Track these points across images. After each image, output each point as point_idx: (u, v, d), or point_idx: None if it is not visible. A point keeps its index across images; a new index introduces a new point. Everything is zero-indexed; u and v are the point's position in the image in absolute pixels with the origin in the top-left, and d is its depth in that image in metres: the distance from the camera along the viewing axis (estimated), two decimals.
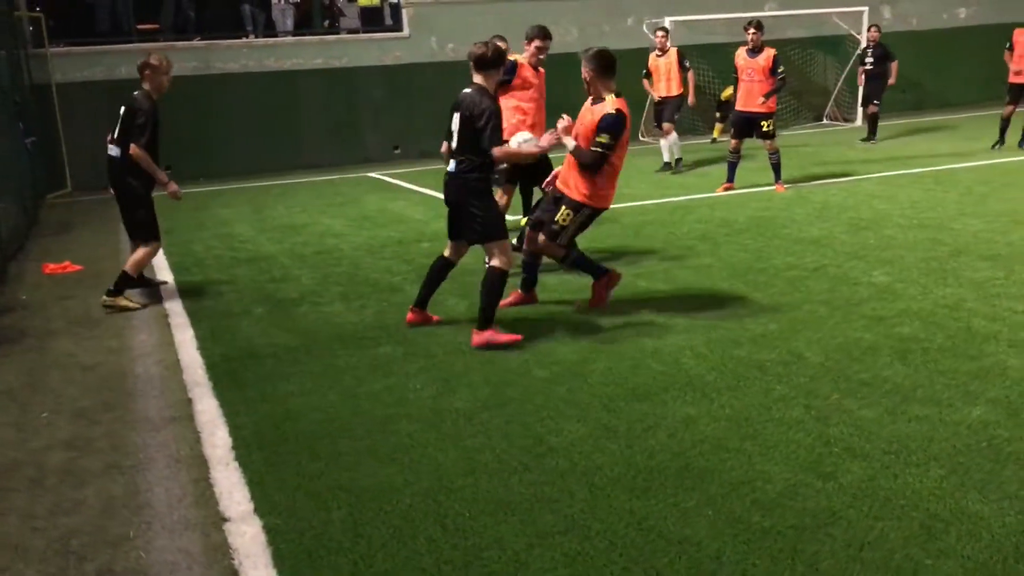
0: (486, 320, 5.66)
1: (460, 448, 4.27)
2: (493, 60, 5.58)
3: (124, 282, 7.25)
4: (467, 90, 5.66)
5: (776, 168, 10.99)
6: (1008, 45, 13.78)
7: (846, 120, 19.00)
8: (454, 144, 5.68)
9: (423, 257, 8.46)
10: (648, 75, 13.48)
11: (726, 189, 11.14)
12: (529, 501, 3.72)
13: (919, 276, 6.77)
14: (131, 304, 7.21)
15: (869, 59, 15.46)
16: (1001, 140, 13.82)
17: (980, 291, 6.29)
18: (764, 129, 10.81)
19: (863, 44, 17.99)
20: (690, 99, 13.66)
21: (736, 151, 11.17)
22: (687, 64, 13.38)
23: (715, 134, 16.92)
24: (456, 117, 5.63)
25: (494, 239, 5.68)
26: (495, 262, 5.67)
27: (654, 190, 11.66)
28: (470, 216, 5.69)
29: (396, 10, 17.22)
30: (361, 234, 9.87)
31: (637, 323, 6.03)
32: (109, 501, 3.96)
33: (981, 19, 20.92)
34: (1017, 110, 13.74)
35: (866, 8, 18.30)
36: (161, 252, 9.12)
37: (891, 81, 15.17)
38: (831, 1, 18.55)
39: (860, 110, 18.12)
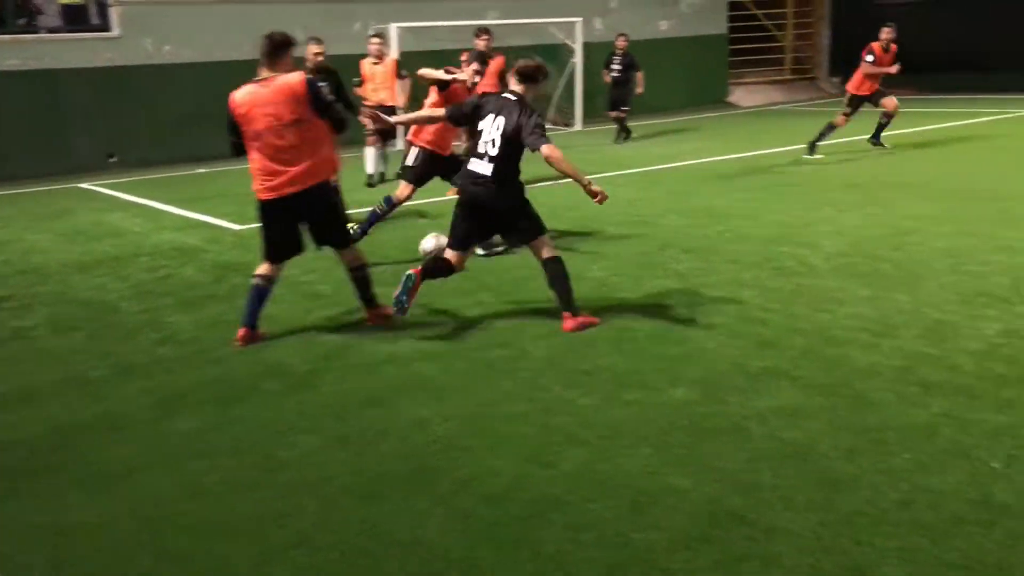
0: (570, 303, 5.83)
1: (183, 472, 4.07)
2: (533, 75, 5.86)
3: None
4: (507, 95, 5.85)
5: None
6: (872, 58, 12.69)
7: (567, 125, 20.02)
8: (490, 148, 5.78)
9: (141, 272, 7.96)
10: (361, 83, 12.92)
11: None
12: (257, 519, 3.62)
13: (632, 269, 7.26)
14: None
15: (616, 66, 15.97)
16: (814, 145, 13.09)
17: (683, 280, 6.85)
18: None
19: (578, 51, 19.12)
20: (401, 105, 13.55)
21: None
22: (404, 73, 13.33)
23: None
24: (496, 120, 5.76)
25: (540, 234, 5.94)
26: (546, 254, 5.86)
27: (379, 195, 11.62)
28: (513, 219, 5.94)
29: (103, 9, 16.07)
30: (72, 250, 9.12)
31: (370, 329, 6.03)
32: None
33: (679, 31, 22.86)
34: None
35: (580, 19, 19.38)
36: None
37: (639, 90, 16.00)
38: (548, 11, 19.50)
39: (578, 112, 19.19)
